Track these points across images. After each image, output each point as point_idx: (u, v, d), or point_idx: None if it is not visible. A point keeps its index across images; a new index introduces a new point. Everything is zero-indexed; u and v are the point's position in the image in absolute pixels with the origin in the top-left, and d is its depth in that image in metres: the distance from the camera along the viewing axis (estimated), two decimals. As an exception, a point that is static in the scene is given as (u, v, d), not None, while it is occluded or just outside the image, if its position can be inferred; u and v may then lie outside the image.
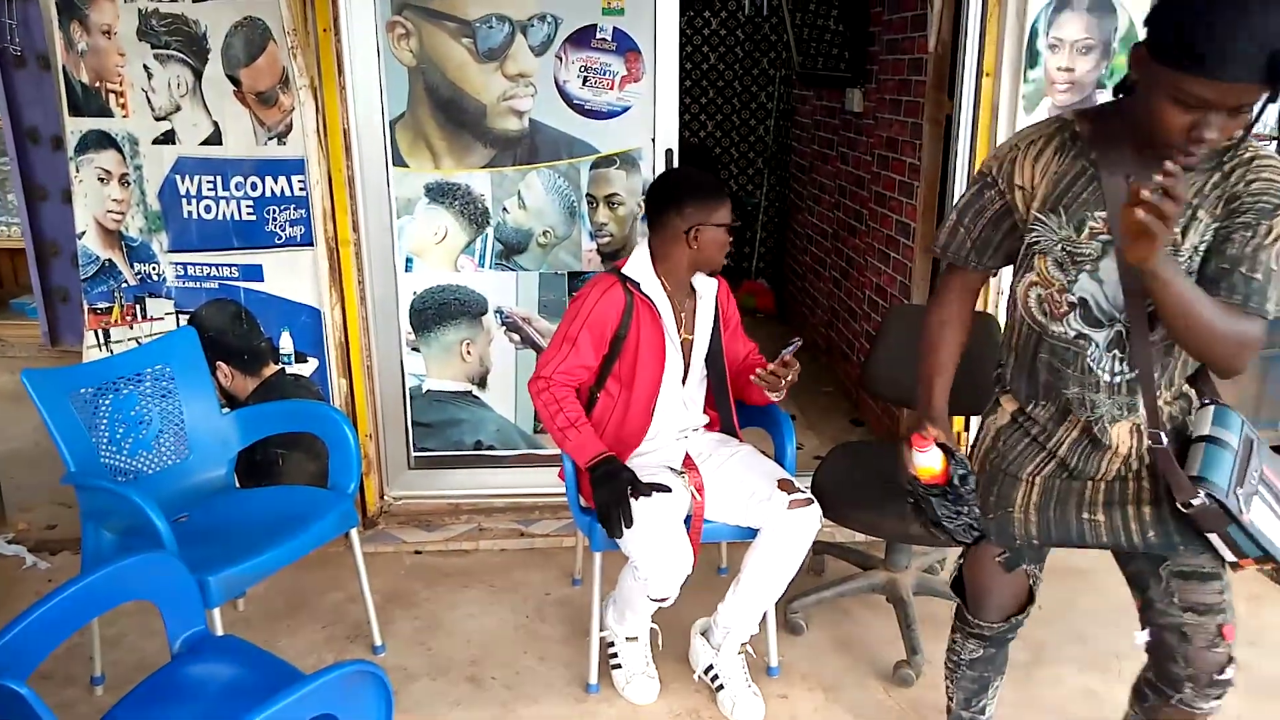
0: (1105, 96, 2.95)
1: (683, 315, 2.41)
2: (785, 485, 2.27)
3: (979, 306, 3.10)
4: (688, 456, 2.43)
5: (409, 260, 3.14)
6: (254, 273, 2.96)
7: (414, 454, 3.32)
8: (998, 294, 3.10)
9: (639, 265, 2.37)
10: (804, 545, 2.23)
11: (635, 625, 2.38)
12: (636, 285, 2.34)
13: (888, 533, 2.51)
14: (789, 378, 2.27)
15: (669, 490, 2.26)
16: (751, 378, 2.32)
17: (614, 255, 3.16)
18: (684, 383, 2.45)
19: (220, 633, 2.13)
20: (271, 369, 3.04)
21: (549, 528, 3.21)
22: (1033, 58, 2.88)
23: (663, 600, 2.22)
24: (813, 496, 2.27)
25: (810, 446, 3.86)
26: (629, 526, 2.16)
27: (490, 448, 3.34)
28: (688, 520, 2.31)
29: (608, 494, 2.18)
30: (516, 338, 3.24)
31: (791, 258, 5.80)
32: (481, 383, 3.29)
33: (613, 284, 2.34)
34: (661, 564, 2.15)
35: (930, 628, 2.68)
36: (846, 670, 2.55)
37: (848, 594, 2.73)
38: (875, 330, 4.05)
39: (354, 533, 2.50)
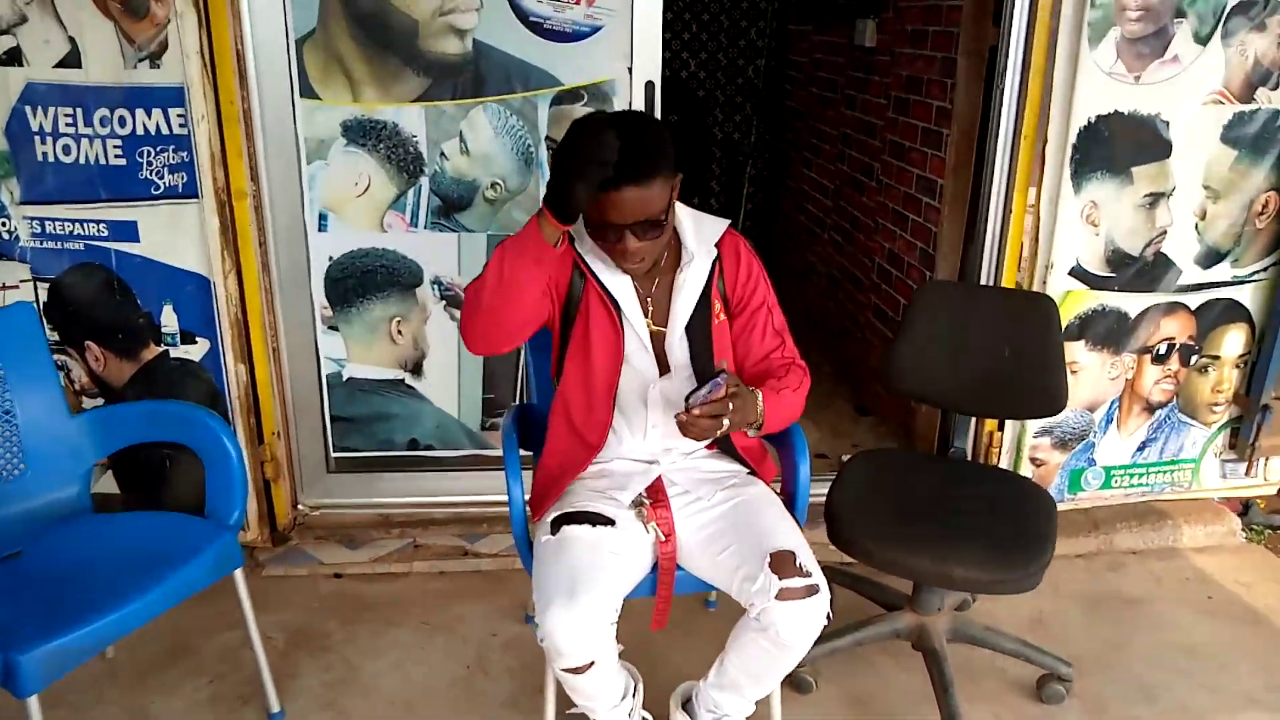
0: (1184, 28, 2.50)
1: (650, 300, 1.82)
2: (780, 563, 1.66)
3: (1034, 286, 2.65)
4: (659, 483, 1.87)
5: (323, 217, 2.67)
6: (127, 231, 2.50)
7: (334, 455, 2.88)
8: (1047, 268, 2.61)
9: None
10: (802, 644, 1.67)
11: (595, 707, 1.83)
12: (581, 256, 1.78)
13: (921, 575, 2.05)
14: (704, 424, 1.61)
15: (610, 523, 1.76)
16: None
17: (580, 214, 2.63)
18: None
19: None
20: (152, 351, 2.58)
21: (498, 545, 2.73)
22: (1103, -26, 2.41)
23: (575, 671, 1.65)
24: (817, 583, 1.65)
25: (810, 440, 3.31)
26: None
27: (428, 447, 2.91)
28: (654, 570, 1.80)
29: (579, 150, 1.55)
30: (459, 315, 2.70)
31: (784, 217, 5.37)
32: (416, 369, 2.83)
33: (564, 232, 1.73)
34: (561, 618, 1.58)
35: (967, 683, 2.20)
36: (865, 742, 2.07)
37: (866, 641, 2.26)
38: (885, 304, 3.57)
39: (239, 574, 1.98)
